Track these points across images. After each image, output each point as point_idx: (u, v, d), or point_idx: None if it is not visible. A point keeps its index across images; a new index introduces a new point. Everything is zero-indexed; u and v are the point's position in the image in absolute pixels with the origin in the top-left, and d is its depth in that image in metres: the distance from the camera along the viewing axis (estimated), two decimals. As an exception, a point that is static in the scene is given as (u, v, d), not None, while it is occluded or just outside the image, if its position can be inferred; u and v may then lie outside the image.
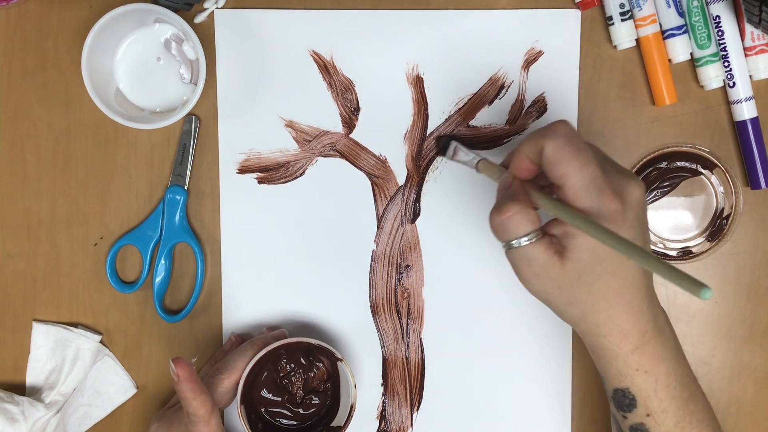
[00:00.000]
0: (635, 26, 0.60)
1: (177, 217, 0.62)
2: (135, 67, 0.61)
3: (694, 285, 0.36)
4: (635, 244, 0.40)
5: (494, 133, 0.62)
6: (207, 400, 0.53)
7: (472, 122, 0.62)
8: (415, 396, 0.63)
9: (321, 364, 0.60)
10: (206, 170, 0.63)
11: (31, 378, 0.63)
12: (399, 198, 0.63)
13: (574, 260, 0.45)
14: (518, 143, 0.61)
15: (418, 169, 0.62)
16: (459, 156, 0.59)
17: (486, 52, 0.61)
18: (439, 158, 0.62)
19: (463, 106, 0.62)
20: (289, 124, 0.62)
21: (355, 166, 0.62)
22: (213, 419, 0.53)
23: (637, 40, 0.60)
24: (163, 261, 0.62)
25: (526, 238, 0.45)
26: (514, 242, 0.46)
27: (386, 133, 0.62)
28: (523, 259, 0.46)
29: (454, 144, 0.59)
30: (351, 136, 0.62)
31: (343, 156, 0.62)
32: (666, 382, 0.48)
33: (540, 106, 0.62)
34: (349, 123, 0.62)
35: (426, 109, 0.62)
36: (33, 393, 0.63)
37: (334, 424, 0.59)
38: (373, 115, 0.62)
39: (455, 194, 0.62)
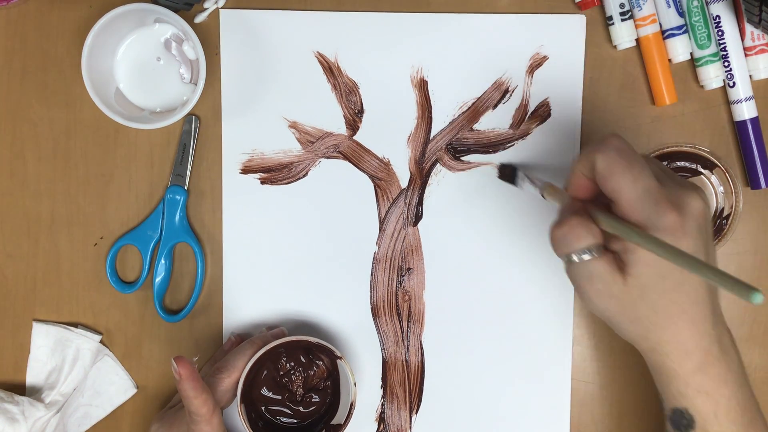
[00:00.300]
0: (635, 26, 0.60)
1: (177, 217, 0.62)
2: (135, 67, 0.61)
3: (746, 290, 0.36)
4: (695, 257, 0.39)
5: (498, 137, 0.62)
6: (209, 399, 0.53)
7: (476, 126, 0.62)
8: (414, 399, 0.63)
9: (321, 363, 0.60)
10: (206, 170, 0.63)
11: (31, 378, 0.63)
12: (401, 200, 0.63)
13: (636, 276, 0.44)
14: (522, 148, 0.61)
15: (421, 172, 0.62)
16: (525, 184, 0.57)
17: (491, 57, 0.61)
18: (441, 162, 0.62)
19: (467, 109, 0.62)
20: (293, 125, 0.62)
21: (358, 168, 0.62)
22: (215, 418, 0.53)
23: (637, 40, 0.60)
24: (163, 261, 0.62)
25: (587, 253, 0.44)
26: (574, 256, 0.45)
27: (390, 135, 0.62)
28: (584, 275, 0.45)
29: (520, 173, 0.58)
30: (354, 138, 0.62)
31: (346, 158, 0.62)
32: (727, 406, 0.46)
33: (544, 111, 0.62)
34: (353, 125, 0.62)
35: (430, 112, 0.62)
36: (33, 393, 0.63)
37: (334, 422, 0.59)
38: (377, 117, 0.62)
39: (458, 198, 0.62)
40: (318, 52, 0.62)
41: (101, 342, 0.63)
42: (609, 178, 0.44)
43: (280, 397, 0.60)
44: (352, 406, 0.57)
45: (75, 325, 0.63)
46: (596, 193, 0.47)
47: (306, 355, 0.60)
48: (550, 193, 0.52)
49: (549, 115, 0.62)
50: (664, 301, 0.44)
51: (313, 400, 0.60)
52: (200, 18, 0.61)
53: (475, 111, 0.62)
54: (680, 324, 0.45)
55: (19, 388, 0.64)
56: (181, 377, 0.52)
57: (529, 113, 0.62)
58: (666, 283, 0.44)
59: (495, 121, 0.62)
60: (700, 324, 0.45)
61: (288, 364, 0.60)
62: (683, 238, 0.43)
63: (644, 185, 0.43)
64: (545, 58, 0.61)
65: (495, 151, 0.62)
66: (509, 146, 0.62)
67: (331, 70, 0.62)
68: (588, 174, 0.46)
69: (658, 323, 0.45)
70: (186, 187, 0.62)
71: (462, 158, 0.62)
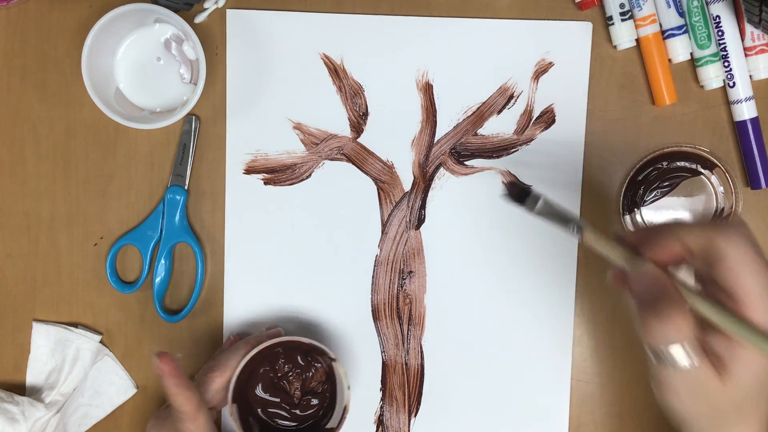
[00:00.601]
0: (635, 26, 0.60)
1: (177, 217, 0.62)
2: (135, 67, 0.61)
3: None
4: None
5: (502, 143, 0.62)
6: (192, 396, 0.52)
7: (480, 131, 0.62)
8: (414, 402, 0.63)
9: (319, 365, 0.60)
10: (206, 170, 0.63)
11: (31, 378, 0.63)
12: (404, 204, 0.63)
13: (738, 381, 0.39)
14: (526, 153, 0.61)
15: (425, 176, 0.62)
16: (547, 214, 0.48)
17: (496, 62, 0.61)
18: (445, 166, 0.62)
19: (472, 114, 0.62)
20: (297, 127, 0.62)
21: (362, 170, 0.62)
22: (200, 416, 0.53)
23: (637, 40, 0.60)
24: (163, 261, 0.62)
25: (683, 352, 0.39)
26: (671, 349, 0.39)
27: (394, 138, 0.62)
28: (679, 377, 0.40)
29: (542, 199, 0.47)
30: (359, 140, 0.62)
31: (350, 160, 0.62)
32: None
33: (549, 117, 0.62)
34: (357, 127, 0.62)
35: (435, 116, 0.62)
36: (33, 393, 0.63)
37: (328, 426, 0.59)
38: (382, 120, 0.62)
39: (461, 202, 0.62)
40: (324, 54, 0.62)
41: (101, 342, 0.63)
42: (738, 276, 0.39)
43: (277, 400, 0.60)
44: (345, 409, 0.57)
45: (75, 325, 0.63)
46: (676, 261, 0.42)
47: (304, 357, 0.60)
48: (592, 238, 0.44)
49: (554, 121, 0.62)
50: (760, 412, 0.41)
51: (311, 403, 0.60)
52: (200, 18, 0.61)
53: (479, 116, 0.62)
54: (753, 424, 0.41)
55: (19, 388, 0.64)
56: (163, 373, 0.52)
57: (533, 119, 0.62)
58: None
59: (499, 126, 0.62)
60: None
61: (286, 366, 0.60)
62: None
63: None
64: (551, 64, 0.61)
65: (499, 156, 0.62)
66: (513, 151, 0.62)
67: (336, 72, 0.62)
68: (696, 250, 0.41)
69: (737, 424, 0.41)
70: (186, 187, 0.62)
71: (466, 163, 0.62)
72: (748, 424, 0.41)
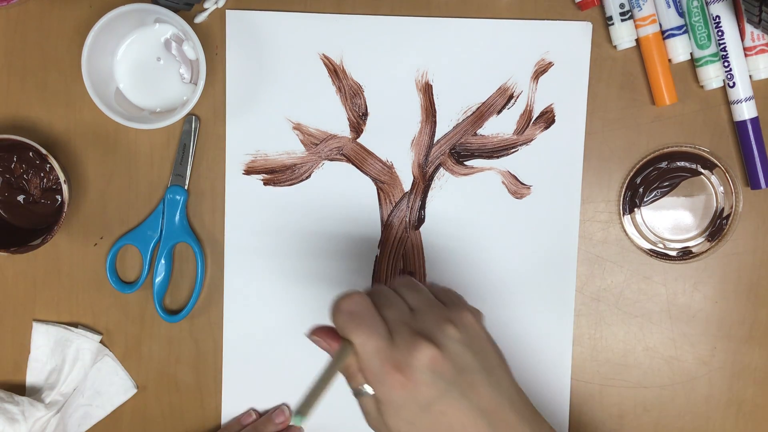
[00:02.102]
0: (635, 26, 0.60)
1: (177, 217, 0.62)
2: (135, 67, 0.61)
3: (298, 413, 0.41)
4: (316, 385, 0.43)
5: (502, 143, 0.62)
6: None
7: (480, 131, 0.62)
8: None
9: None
10: (206, 170, 0.63)
11: (31, 378, 0.63)
12: (404, 204, 0.63)
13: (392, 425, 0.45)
14: (526, 153, 0.61)
15: (424, 176, 0.62)
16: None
17: (496, 62, 0.61)
18: (444, 166, 0.62)
19: (472, 114, 0.62)
20: (297, 127, 0.62)
21: (362, 170, 0.62)
22: None
23: (637, 40, 0.60)
24: (163, 261, 0.62)
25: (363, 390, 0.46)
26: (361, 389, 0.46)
27: (394, 138, 0.62)
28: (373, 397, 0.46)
29: None
30: (358, 140, 0.62)
31: (349, 160, 0.62)
32: None
33: (548, 117, 0.62)
34: (357, 128, 0.62)
35: (434, 116, 0.62)
36: (33, 393, 0.63)
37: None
38: (381, 120, 0.62)
39: (460, 202, 0.62)
40: (323, 54, 0.62)
41: (101, 342, 0.63)
42: (346, 335, 0.46)
43: None
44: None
45: (75, 325, 0.63)
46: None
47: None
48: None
49: (553, 121, 0.62)
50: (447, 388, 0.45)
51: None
52: (200, 18, 0.61)
53: (479, 116, 0.62)
54: None
55: (19, 388, 0.64)
56: None
57: (533, 119, 0.62)
58: (421, 425, 0.45)
59: (499, 126, 0.62)
60: None
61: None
62: (417, 390, 0.44)
63: (374, 346, 0.44)
64: (550, 64, 0.61)
65: (499, 157, 0.62)
66: (513, 152, 0.62)
67: (336, 72, 0.62)
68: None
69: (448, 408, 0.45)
70: (186, 187, 0.62)
71: (465, 163, 0.62)
72: (452, 405, 0.45)
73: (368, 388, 0.45)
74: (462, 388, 0.45)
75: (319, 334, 0.49)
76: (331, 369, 0.45)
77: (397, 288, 0.49)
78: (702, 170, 0.62)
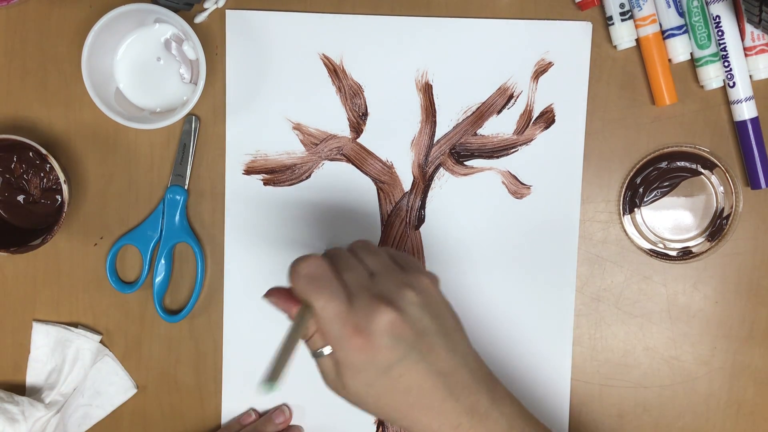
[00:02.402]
0: (635, 26, 0.60)
1: (177, 217, 0.62)
2: (135, 67, 0.61)
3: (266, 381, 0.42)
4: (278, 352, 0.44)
5: (501, 143, 0.62)
6: None
7: (480, 131, 0.62)
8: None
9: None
10: (206, 170, 0.63)
11: (31, 378, 0.63)
12: (404, 204, 0.63)
13: (349, 387, 0.47)
14: (526, 153, 0.62)
15: (425, 176, 0.62)
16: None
17: (496, 62, 0.61)
18: (444, 166, 0.62)
19: (472, 114, 0.62)
20: (297, 127, 0.62)
21: (362, 170, 0.62)
22: None
23: (637, 40, 0.60)
24: (163, 261, 0.62)
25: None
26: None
27: (394, 138, 0.62)
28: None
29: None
30: (358, 140, 0.62)
31: (349, 160, 0.62)
32: None
33: (548, 117, 0.62)
34: (357, 128, 0.62)
35: (434, 116, 0.62)
36: (33, 393, 0.63)
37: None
38: (381, 120, 0.62)
39: (460, 202, 0.62)
40: (323, 54, 0.62)
41: (101, 342, 0.63)
42: (305, 300, 0.46)
43: None
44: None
45: (75, 325, 0.63)
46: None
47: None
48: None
49: (553, 121, 0.62)
50: (388, 400, 0.46)
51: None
52: (200, 18, 0.61)
53: (479, 116, 0.62)
54: (416, 414, 0.46)
55: (19, 388, 0.64)
56: None
57: (533, 119, 0.62)
58: (375, 390, 0.46)
59: (499, 126, 0.62)
60: (437, 407, 0.46)
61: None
62: (377, 353, 0.44)
63: (334, 310, 0.45)
64: (550, 64, 0.61)
65: (498, 157, 0.62)
66: (513, 152, 0.62)
67: (336, 72, 0.62)
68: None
69: (397, 416, 0.47)
70: (186, 187, 0.62)
71: (465, 163, 0.62)
72: (394, 410, 0.46)
73: (327, 349, 0.46)
74: (421, 351, 0.45)
75: (276, 295, 0.49)
76: (293, 334, 0.45)
77: (355, 251, 0.49)
78: (702, 170, 0.62)
